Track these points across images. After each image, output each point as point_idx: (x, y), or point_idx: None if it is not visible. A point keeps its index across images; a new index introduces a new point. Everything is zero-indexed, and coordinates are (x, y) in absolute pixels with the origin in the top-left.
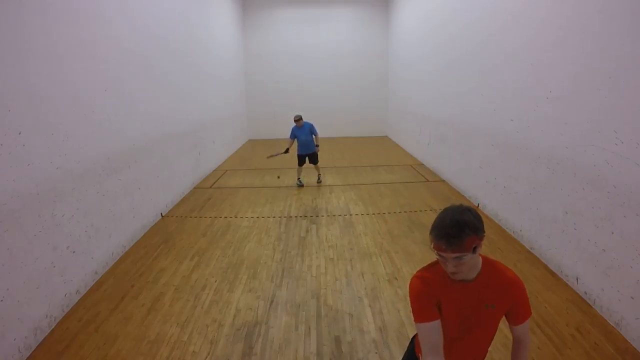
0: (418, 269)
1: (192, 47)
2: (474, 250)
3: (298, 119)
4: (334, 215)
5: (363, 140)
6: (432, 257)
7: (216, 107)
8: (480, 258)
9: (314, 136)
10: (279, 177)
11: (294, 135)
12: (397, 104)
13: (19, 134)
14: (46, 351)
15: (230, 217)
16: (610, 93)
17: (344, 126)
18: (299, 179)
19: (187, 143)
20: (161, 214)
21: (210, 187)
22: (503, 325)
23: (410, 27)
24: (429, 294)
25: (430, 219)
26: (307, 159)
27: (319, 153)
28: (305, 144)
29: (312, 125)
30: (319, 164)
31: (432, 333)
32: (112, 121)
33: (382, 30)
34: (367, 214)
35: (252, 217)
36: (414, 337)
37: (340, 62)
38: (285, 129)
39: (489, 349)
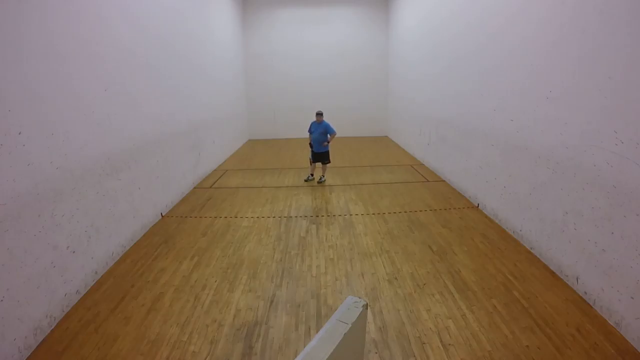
0: (418, 268)
1: (192, 47)
2: None
3: (318, 114)
4: (334, 215)
5: (363, 140)
6: (432, 256)
7: (216, 107)
8: None
9: (328, 135)
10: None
11: (310, 130)
12: (397, 104)
13: (19, 134)
14: (46, 351)
15: (230, 217)
16: (610, 93)
17: (344, 126)
18: (310, 174)
19: (187, 143)
20: (161, 214)
21: (210, 187)
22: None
23: (410, 27)
24: None
25: (430, 219)
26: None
27: (330, 154)
28: (316, 142)
29: (328, 124)
30: (328, 165)
31: None
32: (112, 121)
33: (382, 30)
34: (367, 214)
35: (252, 217)
36: None
37: (340, 62)
38: (285, 129)
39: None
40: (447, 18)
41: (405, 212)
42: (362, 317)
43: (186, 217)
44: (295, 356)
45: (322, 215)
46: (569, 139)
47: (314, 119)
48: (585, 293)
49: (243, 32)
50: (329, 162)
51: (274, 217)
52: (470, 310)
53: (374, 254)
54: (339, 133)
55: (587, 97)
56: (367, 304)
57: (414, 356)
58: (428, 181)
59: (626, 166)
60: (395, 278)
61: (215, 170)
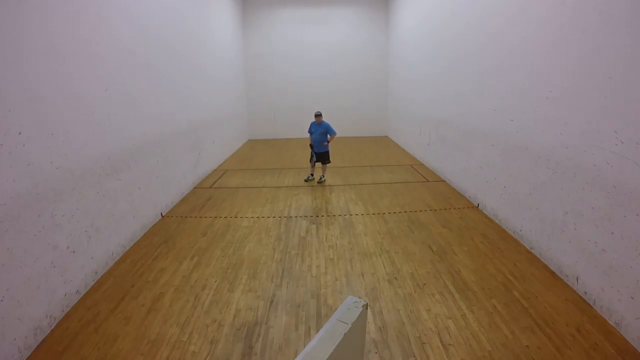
0: (418, 268)
1: (192, 47)
2: None
3: (317, 115)
4: (334, 215)
5: (363, 140)
6: (432, 256)
7: (216, 107)
8: None
9: (328, 135)
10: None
11: (310, 130)
12: (397, 104)
13: (19, 134)
14: (46, 351)
15: (230, 217)
16: (610, 93)
17: (344, 126)
18: (310, 174)
19: (187, 143)
20: (161, 214)
21: (210, 187)
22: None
23: (410, 27)
24: None
25: (430, 219)
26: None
27: (330, 155)
28: (316, 142)
29: (328, 125)
30: (328, 165)
31: None
32: (112, 121)
33: (382, 30)
34: (367, 214)
35: (252, 217)
36: None
37: (340, 62)
38: (285, 129)
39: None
40: (447, 18)
41: (405, 212)
42: (362, 317)
43: (186, 217)
44: (295, 356)
45: (322, 215)
46: (569, 139)
47: (314, 119)
48: (585, 293)
49: (243, 32)
50: (329, 162)
51: (274, 217)
52: (470, 310)
53: (374, 254)
54: (339, 133)
55: (587, 97)
56: (367, 304)
57: (414, 356)
58: (428, 181)
59: (626, 166)
60: (395, 278)
61: (215, 170)
